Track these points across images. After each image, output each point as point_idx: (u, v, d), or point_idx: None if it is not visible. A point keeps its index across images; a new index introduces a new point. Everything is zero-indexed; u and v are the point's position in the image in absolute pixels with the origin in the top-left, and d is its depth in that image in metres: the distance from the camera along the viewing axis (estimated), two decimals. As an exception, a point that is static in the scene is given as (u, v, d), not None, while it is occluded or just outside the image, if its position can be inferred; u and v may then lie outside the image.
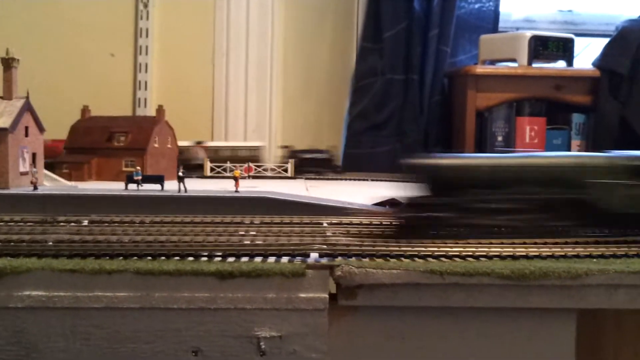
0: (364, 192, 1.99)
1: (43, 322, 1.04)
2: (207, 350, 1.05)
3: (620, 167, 1.24)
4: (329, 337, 1.05)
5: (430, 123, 3.12)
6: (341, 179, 2.67)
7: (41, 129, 1.91)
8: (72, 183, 2.08)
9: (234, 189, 1.79)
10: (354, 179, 2.64)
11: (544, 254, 1.11)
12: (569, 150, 2.98)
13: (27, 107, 1.82)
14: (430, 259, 1.10)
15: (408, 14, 3.08)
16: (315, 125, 3.25)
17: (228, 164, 2.58)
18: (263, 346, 1.04)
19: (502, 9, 3.33)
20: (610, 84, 3.03)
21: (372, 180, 2.60)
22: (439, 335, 1.08)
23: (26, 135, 1.83)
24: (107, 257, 1.10)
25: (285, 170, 2.63)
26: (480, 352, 1.08)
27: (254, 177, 2.56)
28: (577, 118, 3.07)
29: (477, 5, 3.29)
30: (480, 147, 2.95)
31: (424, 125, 3.11)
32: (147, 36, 3.07)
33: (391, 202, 1.59)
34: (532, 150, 2.87)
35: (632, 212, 1.23)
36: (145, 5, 3.09)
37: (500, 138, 2.98)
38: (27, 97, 1.83)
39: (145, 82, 3.08)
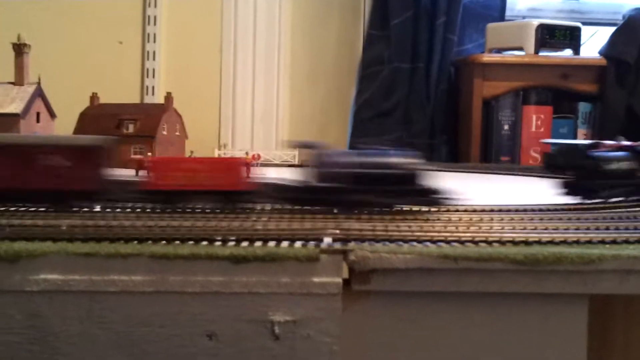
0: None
1: (58, 305, 1.05)
2: (222, 334, 1.05)
3: None
4: (342, 321, 1.05)
5: (436, 111, 3.13)
6: None
7: (52, 115, 1.92)
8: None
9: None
10: None
11: (557, 239, 1.11)
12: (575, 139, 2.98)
13: (39, 93, 1.83)
14: (443, 244, 1.10)
15: (415, 1, 3.08)
16: (322, 113, 3.26)
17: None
18: (277, 330, 1.05)
19: (508, -3, 3.33)
20: (617, 73, 3.03)
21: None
22: (451, 319, 1.09)
23: (38, 121, 1.84)
24: (122, 241, 1.10)
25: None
26: (492, 336, 1.09)
27: (263, 165, 2.60)
28: (583, 107, 3.07)
29: (483, -7, 3.28)
30: (487, 135, 2.95)
31: (431, 114, 3.12)
32: (155, 24, 3.07)
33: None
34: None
35: None
36: (153, -7, 3.08)
37: (506, 127, 2.98)
38: (39, 83, 1.83)
39: (154, 70, 3.08)
